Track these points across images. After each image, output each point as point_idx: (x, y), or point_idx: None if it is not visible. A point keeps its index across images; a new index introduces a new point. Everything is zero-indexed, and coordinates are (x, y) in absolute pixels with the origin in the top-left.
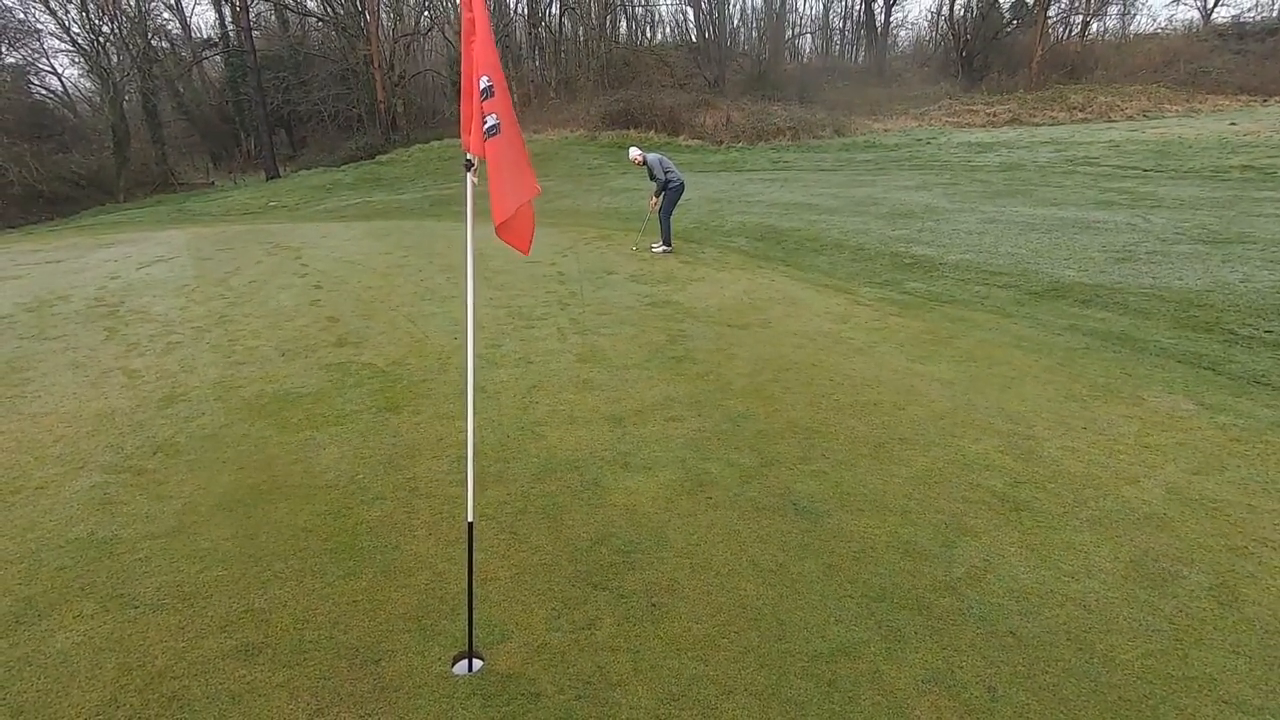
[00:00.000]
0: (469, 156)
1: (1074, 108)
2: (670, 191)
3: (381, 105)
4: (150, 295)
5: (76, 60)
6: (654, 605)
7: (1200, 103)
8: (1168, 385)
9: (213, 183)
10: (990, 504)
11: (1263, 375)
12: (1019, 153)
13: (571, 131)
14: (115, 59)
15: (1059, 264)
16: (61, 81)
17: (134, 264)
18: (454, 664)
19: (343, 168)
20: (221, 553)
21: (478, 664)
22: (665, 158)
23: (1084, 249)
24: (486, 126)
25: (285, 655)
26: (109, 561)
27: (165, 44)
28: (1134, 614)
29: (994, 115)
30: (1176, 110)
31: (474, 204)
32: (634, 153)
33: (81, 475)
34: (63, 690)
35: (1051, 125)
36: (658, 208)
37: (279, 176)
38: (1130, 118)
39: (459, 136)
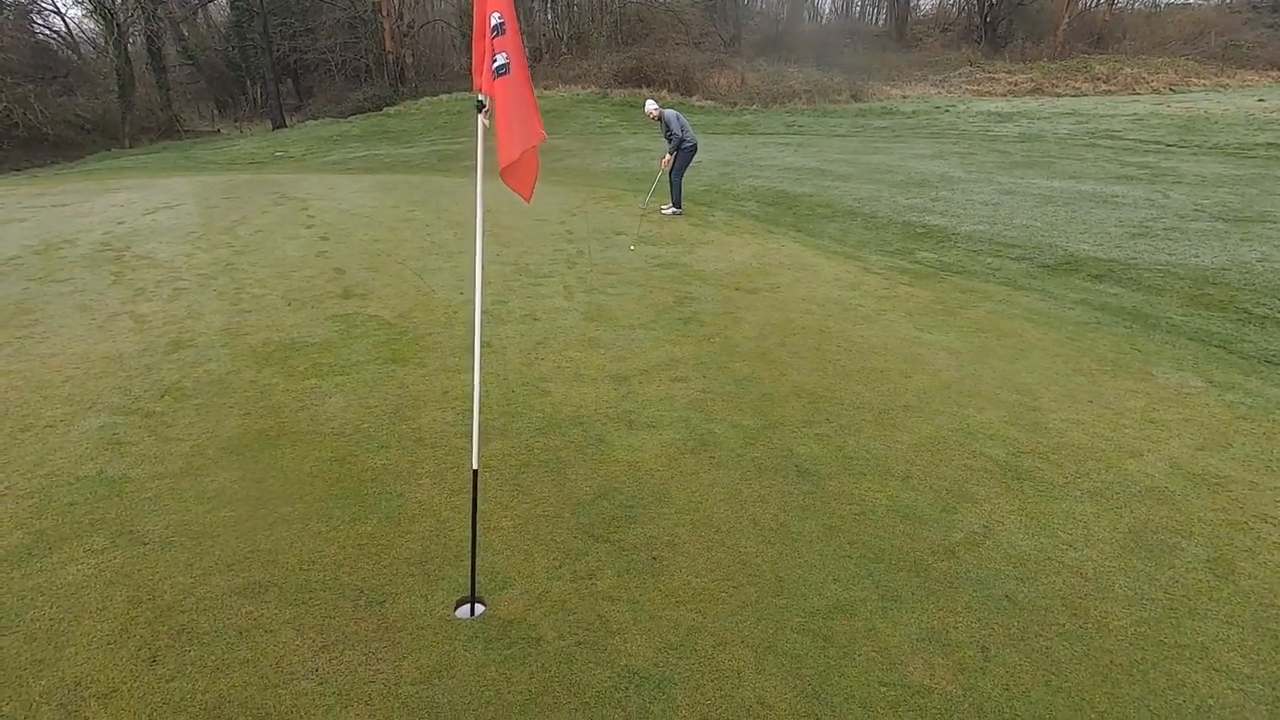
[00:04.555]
0: (480, 97)
1: (1098, 79)
2: (683, 152)
3: (389, 55)
4: (156, 241)
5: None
6: (654, 559)
7: (1229, 77)
8: (1177, 362)
9: (218, 131)
10: (992, 472)
11: (1274, 355)
12: (1039, 124)
13: (583, 89)
14: None
15: (1074, 238)
16: (65, 21)
17: (140, 210)
18: (457, 608)
19: (350, 119)
20: (229, 494)
21: (480, 609)
22: (682, 115)
23: (1100, 223)
24: (496, 65)
25: (291, 594)
26: (118, 499)
27: None
28: (1130, 583)
29: (1015, 84)
30: (1204, 84)
31: (484, 150)
32: (650, 106)
33: (90, 415)
34: (74, 620)
35: (1074, 96)
36: (669, 167)
37: (285, 126)
38: (1156, 91)
39: (468, 91)
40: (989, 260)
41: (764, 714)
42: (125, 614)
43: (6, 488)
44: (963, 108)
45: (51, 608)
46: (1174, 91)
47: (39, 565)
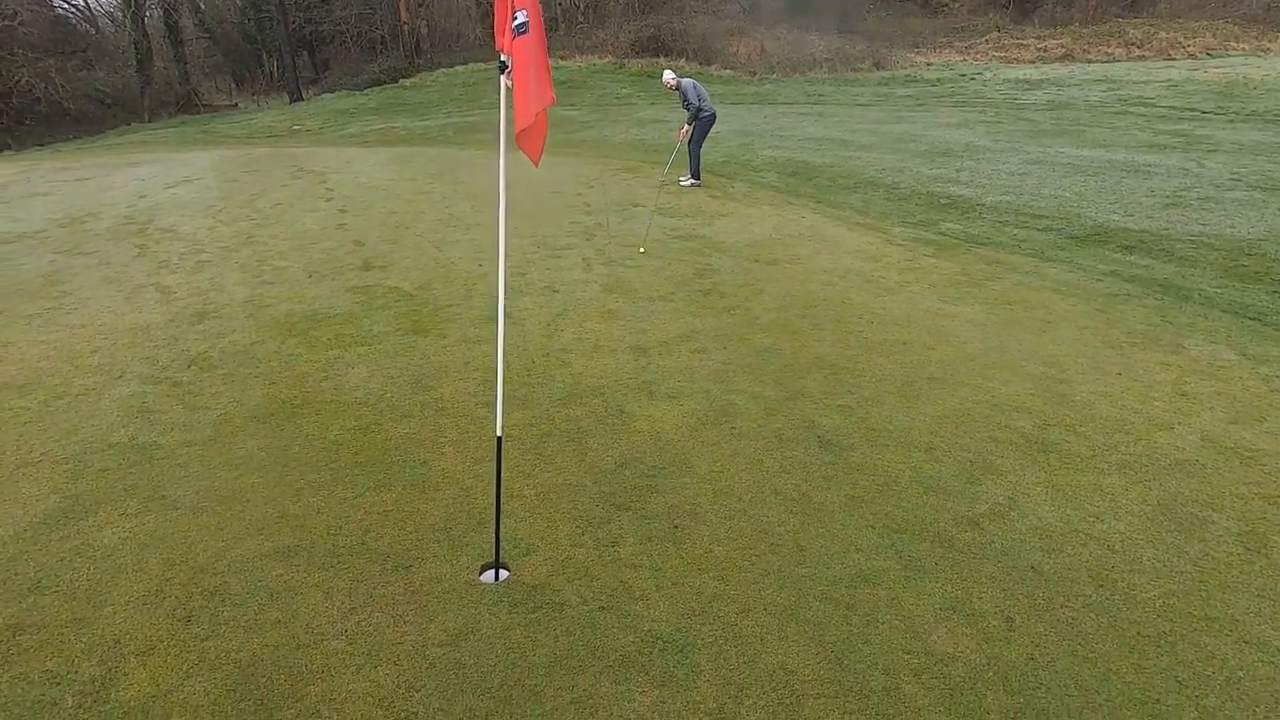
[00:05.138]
0: (503, 58)
1: (1132, 44)
2: (701, 122)
3: (404, 26)
4: (178, 215)
5: None
6: (676, 527)
7: (1271, 40)
8: (1210, 334)
9: (236, 104)
10: (1017, 444)
11: None
12: (1069, 91)
13: (599, 58)
14: None
15: (1104, 208)
16: None
17: (161, 184)
18: (481, 573)
19: (366, 91)
20: (256, 461)
21: (504, 574)
22: (699, 84)
23: (1131, 193)
24: (515, 24)
25: (320, 558)
26: (149, 466)
27: None
28: (1158, 555)
29: (1045, 50)
30: (1243, 49)
31: (506, 112)
32: (668, 76)
33: (120, 384)
34: (112, 580)
35: (1106, 62)
36: (688, 138)
37: (302, 99)
38: (1192, 56)
39: (483, 61)
40: (1015, 231)
41: (786, 679)
42: (160, 575)
43: (43, 454)
44: (989, 75)
45: (89, 569)
46: (1211, 56)
47: (76, 528)
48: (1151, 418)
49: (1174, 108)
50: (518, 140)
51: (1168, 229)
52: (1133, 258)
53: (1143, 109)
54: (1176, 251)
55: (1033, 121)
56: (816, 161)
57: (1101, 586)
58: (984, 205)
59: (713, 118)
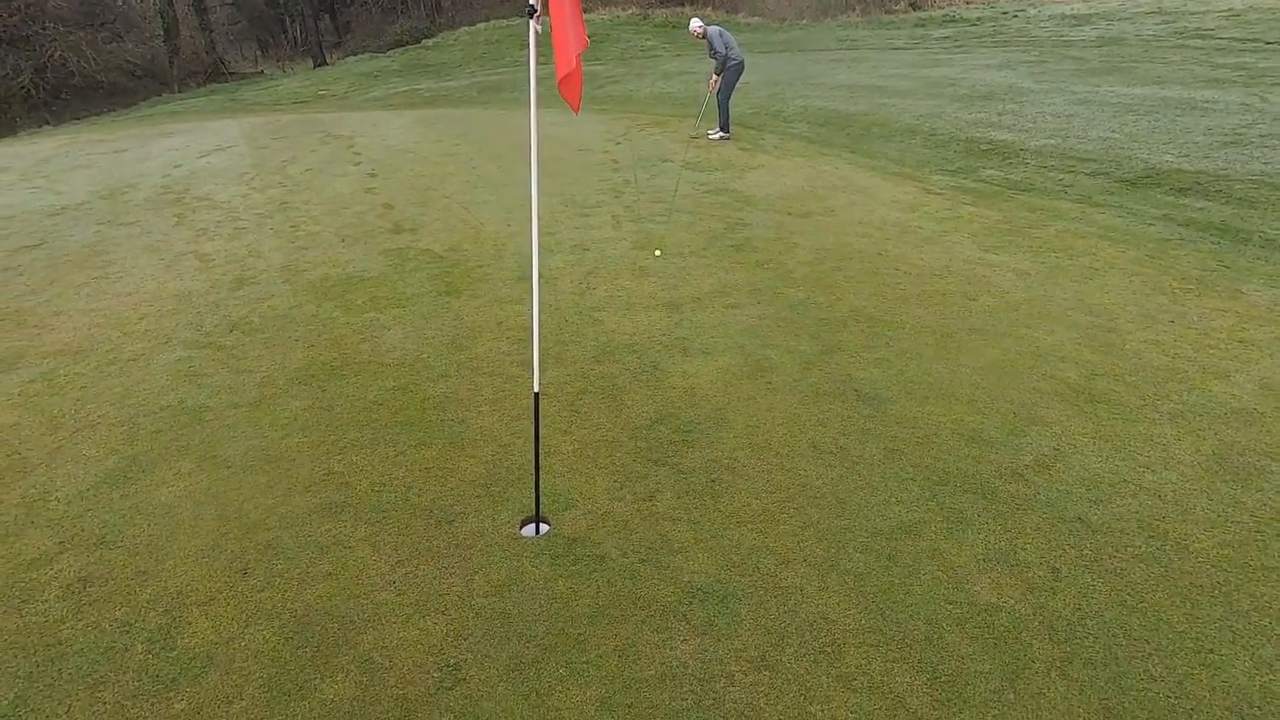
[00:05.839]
0: (532, 2)
1: None
2: (729, 71)
3: None
4: (213, 183)
5: None
6: (714, 481)
7: None
8: (1270, 279)
9: (262, 71)
10: (1064, 395)
11: None
12: (1120, 25)
13: (623, 10)
14: None
15: (1156, 149)
16: None
17: (194, 153)
18: (522, 527)
19: (389, 54)
20: (300, 422)
21: (545, 528)
22: (726, 31)
23: (1186, 132)
24: None
25: (366, 513)
26: (200, 427)
27: None
28: (1212, 506)
29: None
30: None
31: (536, 63)
32: (694, 24)
33: (167, 350)
34: (170, 536)
35: None
36: (716, 88)
37: (326, 64)
38: None
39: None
40: (1061, 176)
41: (827, 628)
42: (216, 530)
43: (100, 417)
44: (1033, 12)
45: (149, 525)
46: None
47: (134, 487)
48: (1206, 366)
49: (1235, 39)
50: (560, 88)
51: (1226, 169)
52: (1187, 200)
53: (1200, 41)
54: (1235, 193)
55: (1080, 59)
56: (850, 110)
57: (1152, 537)
58: (1027, 150)
59: (741, 66)
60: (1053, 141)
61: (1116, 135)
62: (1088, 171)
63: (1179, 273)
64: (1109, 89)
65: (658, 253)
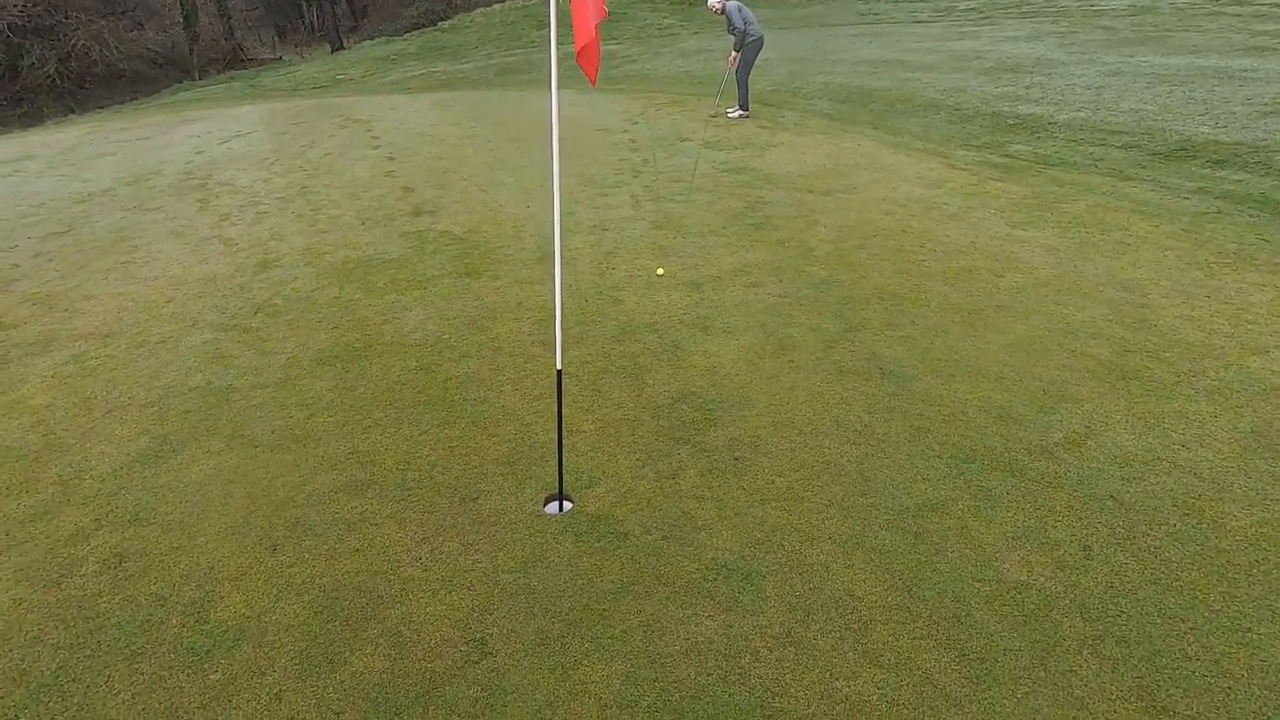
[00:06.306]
0: None
1: None
2: (748, 48)
3: None
4: (234, 169)
5: None
6: (737, 459)
7: None
8: None
9: (280, 57)
10: (1095, 372)
11: None
12: None
13: None
14: None
15: (1191, 120)
16: None
17: (215, 139)
18: (545, 505)
19: (405, 36)
20: (325, 402)
21: (568, 505)
22: (745, 6)
23: (1224, 102)
24: None
25: (391, 491)
26: (227, 407)
27: None
28: (1250, 483)
29: None
30: None
31: (557, 39)
32: (712, 0)
33: (194, 332)
34: (202, 513)
35: None
36: (736, 65)
37: (343, 48)
38: None
39: None
40: (1091, 150)
41: (853, 604)
42: (245, 508)
43: (130, 398)
44: None
45: (181, 502)
46: None
47: (166, 466)
48: (1244, 341)
49: (1275, 4)
50: (577, 58)
51: (1265, 140)
52: (1224, 173)
53: (1238, 8)
54: (1275, 164)
55: (1111, 29)
56: (872, 85)
57: (1187, 515)
58: (1056, 123)
59: (760, 42)
60: (1083, 114)
61: (1149, 107)
62: (1119, 144)
63: (1215, 247)
64: (1142, 59)
65: (660, 272)
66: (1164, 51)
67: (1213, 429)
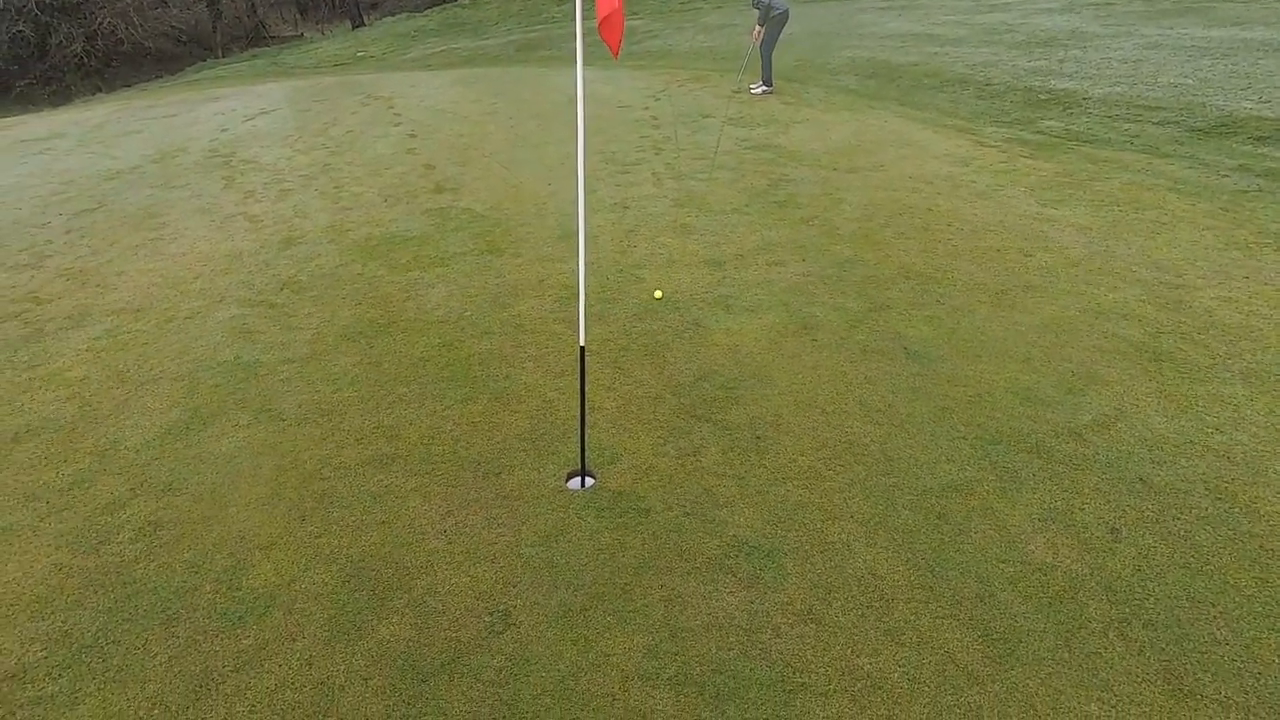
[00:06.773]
0: None
1: None
2: (773, 21)
3: None
4: (258, 146)
5: None
6: (758, 438)
7: None
8: None
9: (301, 34)
10: (1126, 354)
11: None
12: None
13: None
14: None
15: (1233, 95)
16: None
17: (240, 117)
18: (568, 480)
19: (426, 13)
20: (350, 376)
21: (590, 481)
22: None
23: (1269, 76)
24: None
25: (416, 465)
26: (255, 381)
27: None
28: None
29: None
30: None
31: (582, 13)
32: None
33: (221, 308)
34: (232, 484)
35: None
36: (760, 40)
37: (364, 25)
38: None
39: None
40: (1126, 126)
41: (875, 584)
42: (274, 479)
43: (161, 371)
44: None
45: (212, 473)
46: None
47: (196, 438)
48: None
49: None
50: (599, 30)
51: None
52: (1266, 149)
53: None
54: None
55: (1150, 0)
56: (899, 60)
57: (1220, 499)
58: (1090, 99)
59: (785, 17)
60: (1118, 89)
61: (1189, 81)
62: (1156, 120)
63: (1256, 226)
64: (1182, 31)
65: (658, 295)
66: (1206, 23)
67: (1248, 413)
